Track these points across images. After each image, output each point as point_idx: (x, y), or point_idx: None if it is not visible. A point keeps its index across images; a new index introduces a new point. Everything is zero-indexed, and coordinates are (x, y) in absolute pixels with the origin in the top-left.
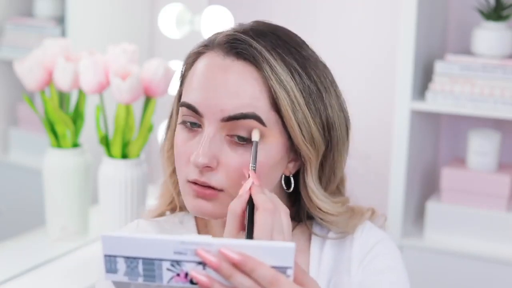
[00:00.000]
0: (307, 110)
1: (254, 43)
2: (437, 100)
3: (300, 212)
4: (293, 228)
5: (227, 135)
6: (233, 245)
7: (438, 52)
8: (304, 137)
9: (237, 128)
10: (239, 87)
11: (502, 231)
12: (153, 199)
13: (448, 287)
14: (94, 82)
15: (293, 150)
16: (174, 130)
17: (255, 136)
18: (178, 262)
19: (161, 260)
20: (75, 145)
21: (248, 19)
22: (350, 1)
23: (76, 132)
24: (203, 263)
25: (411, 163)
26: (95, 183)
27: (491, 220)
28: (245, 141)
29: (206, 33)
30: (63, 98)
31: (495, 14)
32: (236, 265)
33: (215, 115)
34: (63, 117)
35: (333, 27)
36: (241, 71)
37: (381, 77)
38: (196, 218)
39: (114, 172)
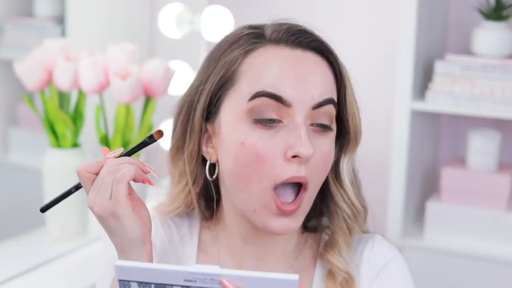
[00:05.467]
0: (354, 96)
1: (314, 34)
2: (437, 100)
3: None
4: (305, 241)
5: (310, 124)
6: (239, 276)
7: (438, 52)
8: (359, 122)
9: (319, 115)
10: (321, 74)
11: (502, 231)
12: (154, 200)
13: (448, 287)
14: (94, 82)
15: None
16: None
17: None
18: (188, 287)
19: (172, 285)
20: (75, 145)
21: (248, 19)
22: (350, 1)
23: (76, 132)
24: None
25: (411, 163)
26: None
27: (491, 220)
28: (326, 128)
29: (206, 33)
30: (63, 98)
31: (495, 14)
32: None
33: (306, 103)
34: (63, 117)
35: (332, 27)
36: (314, 60)
37: (381, 77)
38: (200, 236)
39: None
